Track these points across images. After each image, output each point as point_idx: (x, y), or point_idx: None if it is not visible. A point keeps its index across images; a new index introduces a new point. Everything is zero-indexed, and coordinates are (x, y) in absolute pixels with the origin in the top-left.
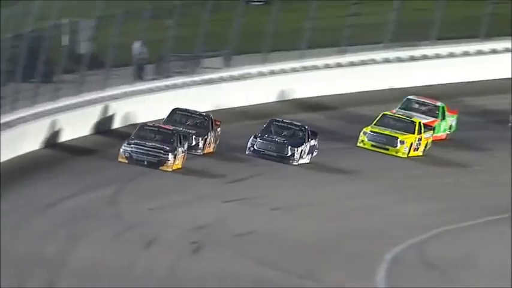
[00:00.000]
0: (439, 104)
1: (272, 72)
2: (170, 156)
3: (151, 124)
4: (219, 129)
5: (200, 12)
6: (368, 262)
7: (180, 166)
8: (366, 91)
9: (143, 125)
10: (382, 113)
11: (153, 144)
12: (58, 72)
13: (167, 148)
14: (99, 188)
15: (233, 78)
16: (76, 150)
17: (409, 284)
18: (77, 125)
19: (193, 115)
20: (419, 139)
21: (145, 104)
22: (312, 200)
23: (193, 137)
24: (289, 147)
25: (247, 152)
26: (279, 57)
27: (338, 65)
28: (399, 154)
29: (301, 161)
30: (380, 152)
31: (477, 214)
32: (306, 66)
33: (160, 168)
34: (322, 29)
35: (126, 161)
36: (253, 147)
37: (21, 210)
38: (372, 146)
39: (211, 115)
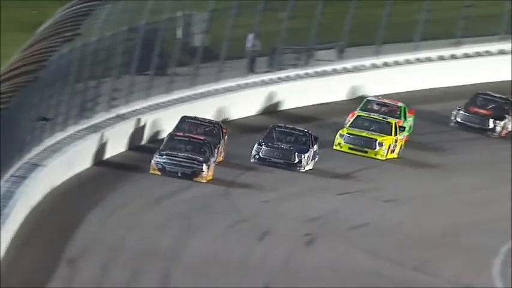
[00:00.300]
0: (400, 104)
1: (385, 64)
2: (204, 167)
3: (181, 134)
4: (226, 137)
5: (313, 5)
6: (484, 255)
7: (211, 177)
8: (482, 83)
9: (173, 135)
10: (356, 114)
11: (186, 154)
12: (172, 65)
13: (201, 159)
14: (211, 181)
15: (346, 70)
16: None
17: None
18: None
19: (202, 123)
20: (396, 140)
21: (257, 97)
22: (425, 192)
23: (296, 154)
24: (296, 153)
25: (252, 160)
26: (392, 49)
27: (452, 57)
28: (378, 156)
29: (307, 168)
30: (357, 155)
31: None
32: (419, 58)
33: (195, 179)
34: (436, 21)
35: (159, 173)
36: (258, 154)
37: (135, 203)
38: (349, 148)
39: (220, 123)
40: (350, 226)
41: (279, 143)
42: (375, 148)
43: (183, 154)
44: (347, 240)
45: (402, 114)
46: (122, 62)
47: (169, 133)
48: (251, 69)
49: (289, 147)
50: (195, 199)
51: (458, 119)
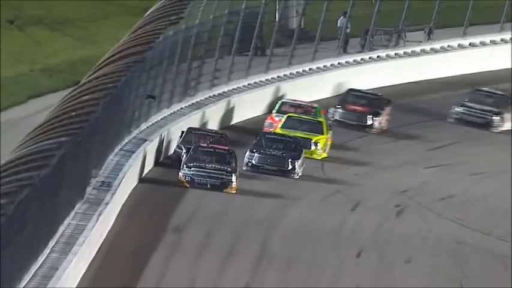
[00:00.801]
0: (315, 105)
1: (472, 45)
2: (233, 177)
3: (206, 145)
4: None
5: None
6: None
7: (237, 187)
8: None
9: (197, 146)
10: (286, 115)
11: (214, 165)
12: (270, 46)
13: (229, 169)
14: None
15: (435, 51)
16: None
17: None
18: (289, 94)
19: (209, 134)
20: (327, 139)
21: (352, 76)
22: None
23: (289, 160)
24: (290, 160)
25: (244, 168)
26: (478, 30)
27: None
28: (314, 156)
29: (300, 174)
30: None
31: None
32: (505, 39)
33: (224, 190)
34: None
35: (188, 185)
36: (251, 162)
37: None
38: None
39: (226, 134)
40: (438, 198)
41: (272, 150)
42: (311, 148)
43: (210, 165)
44: (435, 211)
45: (318, 114)
46: (223, 44)
47: (195, 144)
48: (344, 50)
49: (283, 153)
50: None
51: (337, 117)
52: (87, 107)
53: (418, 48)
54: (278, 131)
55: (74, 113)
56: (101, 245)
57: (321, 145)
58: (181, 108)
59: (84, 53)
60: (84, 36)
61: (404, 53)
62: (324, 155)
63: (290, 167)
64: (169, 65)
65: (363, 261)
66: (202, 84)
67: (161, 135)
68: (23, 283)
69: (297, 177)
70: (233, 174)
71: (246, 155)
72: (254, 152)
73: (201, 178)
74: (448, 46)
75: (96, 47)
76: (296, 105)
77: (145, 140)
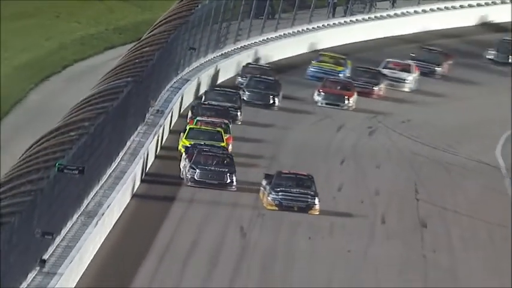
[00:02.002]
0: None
1: (424, 11)
2: (316, 200)
3: (287, 171)
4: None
5: None
6: (487, 139)
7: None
8: None
9: (280, 172)
10: (188, 127)
11: (298, 190)
12: (278, 11)
13: (311, 193)
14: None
15: (396, 15)
16: (285, 66)
17: None
18: (292, 47)
19: (216, 154)
20: (228, 144)
21: (336, 35)
22: (444, 98)
23: (228, 174)
24: (228, 174)
25: (189, 184)
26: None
27: None
28: None
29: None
30: None
31: None
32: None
33: (309, 212)
34: None
35: (277, 208)
36: (193, 178)
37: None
38: None
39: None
40: (400, 121)
41: (210, 166)
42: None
43: (295, 190)
44: (397, 131)
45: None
46: (244, 10)
47: (277, 171)
48: (332, 15)
49: (221, 169)
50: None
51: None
52: (147, 56)
53: (385, 14)
54: (184, 141)
55: (136, 60)
56: (158, 152)
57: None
58: (214, 57)
59: (145, 17)
60: (145, 5)
61: (375, 17)
62: None
63: (229, 180)
64: (205, 26)
65: (345, 167)
66: (229, 39)
67: (198, 77)
68: (100, 183)
69: (235, 189)
70: (316, 198)
71: (186, 170)
72: (195, 168)
73: (289, 202)
74: (407, 12)
75: (153, 13)
76: (209, 122)
77: (188, 80)
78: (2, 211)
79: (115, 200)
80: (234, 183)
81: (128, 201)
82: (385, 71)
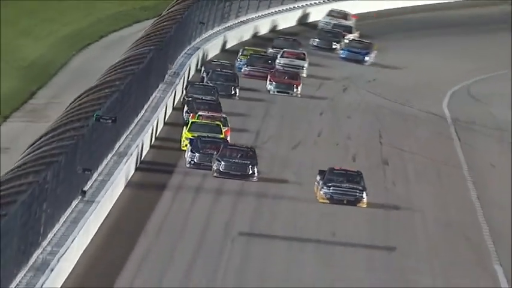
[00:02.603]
0: (224, 115)
1: None
2: (364, 194)
3: (339, 168)
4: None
5: None
6: (437, 95)
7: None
8: None
9: (332, 169)
10: (191, 121)
11: (348, 185)
12: None
13: (360, 188)
14: None
15: None
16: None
17: (461, 110)
18: (281, 22)
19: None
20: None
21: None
22: (399, 64)
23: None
24: (250, 166)
25: (214, 175)
26: None
27: None
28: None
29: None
30: None
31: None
32: None
33: (357, 205)
34: None
35: (328, 201)
36: (219, 169)
37: None
38: None
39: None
40: (367, 80)
41: (234, 159)
42: None
43: (345, 185)
44: (365, 89)
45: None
46: None
47: (329, 168)
48: None
49: (245, 161)
50: None
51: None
52: (166, 29)
53: None
54: (187, 134)
55: (158, 32)
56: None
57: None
58: (218, 30)
59: None
60: None
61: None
62: None
63: (251, 172)
64: (212, 5)
65: (324, 117)
66: (231, 15)
67: (203, 48)
68: (129, 129)
69: (256, 179)
70: (364, 192)
71: (214, 163)
72: (221, 160)
73: (339, 195)
74: None
75: None
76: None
77: (199, 48)
78: (51, 152)
79: (140, 142)
80: (256, 174)
81: (149, 145)
82: (283, 60)
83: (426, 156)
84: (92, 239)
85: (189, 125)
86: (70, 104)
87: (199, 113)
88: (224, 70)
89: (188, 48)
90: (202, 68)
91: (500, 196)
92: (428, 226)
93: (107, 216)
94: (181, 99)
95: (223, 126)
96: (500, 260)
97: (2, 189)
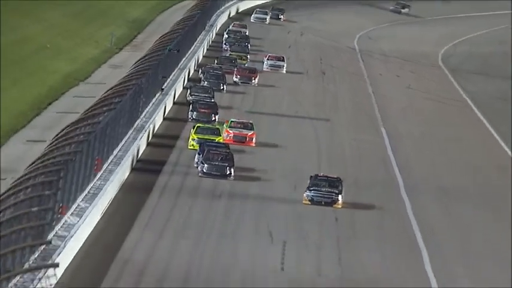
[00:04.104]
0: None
1: None
2: (340, 197)
3: (322, 175)
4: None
5: None
6: (351, 37)
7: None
8: None
9: (316, 176)
10: (196, 125)
11: (327, 189)
12: None
13: (337, 192)
14: None
15: None
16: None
17: (363, 45)
18: None
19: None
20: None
21: None
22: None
23: (227, 167)
24: (228, 168)
25: (199, 175)
26: None
27: None
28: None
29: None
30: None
31: None
32: None
33: (333, 206)
34: None
35: (309, 203)
36: (203, 170)
37: None
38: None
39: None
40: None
41: (216, 162)
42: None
43: (324, 189)
44: (312, 34)
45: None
46: None
47: (314, 174)
48: None
49: (223, 164)
50: None
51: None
52: (193, 12)
53: None
54: (193, 135)
55: (186, 16)
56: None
57: (220, 139)
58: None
59: None
60: None
61: None
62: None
63: (228, 172)
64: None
65: (288, 51)
66: None
67: (229, 9)
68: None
69: (232, 178)
70: (340, 195)
71: (199, 166)
72: (204, 163)
73: (318, 198)
74: None
75: None
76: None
77: (212, 25)
78: (115, 100)
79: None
80: (232, 174)
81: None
82: (270, 62)
83: (346, 70)
84: None
85: (195, 129)
86: (134, 64)
87: (232, 119)
88: (215, 71)
89: (218, 11)
90: (200, 70)
91: (385, 89)
92: (341, 104)
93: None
94: (186, 98)
95: (249, 130)
96: (384, 121)
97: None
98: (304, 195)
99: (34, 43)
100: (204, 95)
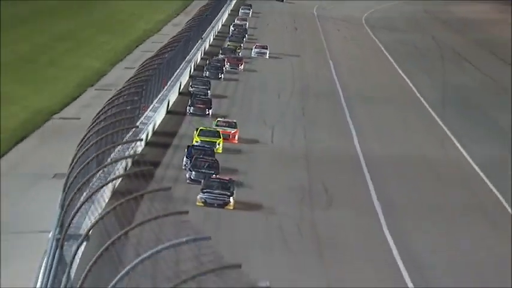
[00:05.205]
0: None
1: None
2: (231, 199)
3: (215, 177)
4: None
5: None
6: (310, 8)
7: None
8: None
9: (210, 178)
10: (199, 129)
11: (219, 191)
12: None
13: (228, 194)
14: None
15: None
16: None
17: (320, 12)
18: None
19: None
20: (222, 141)
21: None
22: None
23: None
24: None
25: (188, 181)
26: None
27: None
28: (218, 151)
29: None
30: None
31: None
32: None
33: (225, 207)
34: None
35: (203, 205)
36: (190, 177)
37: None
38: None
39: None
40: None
41: (202, 169)
42: (216, 147)
43: (217, 191)
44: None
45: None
46: None
47: (208, 178)
48: None
49: (209, 171)
50: None
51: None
52: None
53: None
54: (196, 138)
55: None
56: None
57: (219, 142)
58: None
59: None
60: None
61: None
62: (220, 150)
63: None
64: None
65: (269, 29)
66: None
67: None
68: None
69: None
70: (231, 197)
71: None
72: (191, 170)
73: (211, 200)
74: None
75: None
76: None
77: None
78: (175, 44)
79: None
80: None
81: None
82: (256, 50)
83: (309, 28)
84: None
85: (198, 131)
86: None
87: (218, 119)
88: (215, 62)
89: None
90: (206, 63)
91: (331, 38)
92: (307, 46)
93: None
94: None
95: (233, 128)
96: (331, 57)
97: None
98: (198, 197)
99: (126, 13)
100: (203, 87)
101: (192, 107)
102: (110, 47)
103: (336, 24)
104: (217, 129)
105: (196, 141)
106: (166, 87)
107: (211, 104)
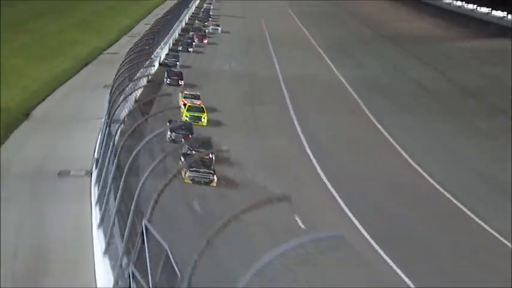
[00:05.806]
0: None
1: None
2: (215, 177)
3: (202, 157)
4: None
5: None
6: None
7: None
8: None
9: (195, 157)
10: (188, 105)
11: (204, 170)
12: None
13: (212, 172)
14: None
15: None
16: None
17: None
18: None
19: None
20: (207, 115)
21: None
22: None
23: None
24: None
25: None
26: None
27: None
28: (202, 123)
29: None
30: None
31: None
32: None
33: (210, 184)
34: None
35: (191, 182)
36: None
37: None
38: (191, 117)
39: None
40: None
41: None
42: (201, 120)
43: (202, 169)
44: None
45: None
46: None
47: (194, 156)
48: None
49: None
50: None
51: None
52: None
53: None
54: (186, 113)
55: None
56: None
57: (204, 116)
58: None
59: None
60: None
61: None
62: (205, 123)
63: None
64: None
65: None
66: None
67: None
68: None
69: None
70: (215, 175)
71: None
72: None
73: (198, 178)
74: None
75: None
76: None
77: None
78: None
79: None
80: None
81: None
82: (211, 27)
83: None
84: None
85: (186, 107)
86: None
87: (185, 92)
88: (186, 39)
89: None
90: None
91: (272, 20)
92: (252, 13)
93: None
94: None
95: (197, 99)
96: (272, 46)
97: None
98: (187, 175)
99: None
100: (172, 59)
101: (168, 79)
102: (140, 9)
103: (271, 13)
104: (202, 106)
105: (186, 116)
106: (169, 34)
107: (182, 76)
